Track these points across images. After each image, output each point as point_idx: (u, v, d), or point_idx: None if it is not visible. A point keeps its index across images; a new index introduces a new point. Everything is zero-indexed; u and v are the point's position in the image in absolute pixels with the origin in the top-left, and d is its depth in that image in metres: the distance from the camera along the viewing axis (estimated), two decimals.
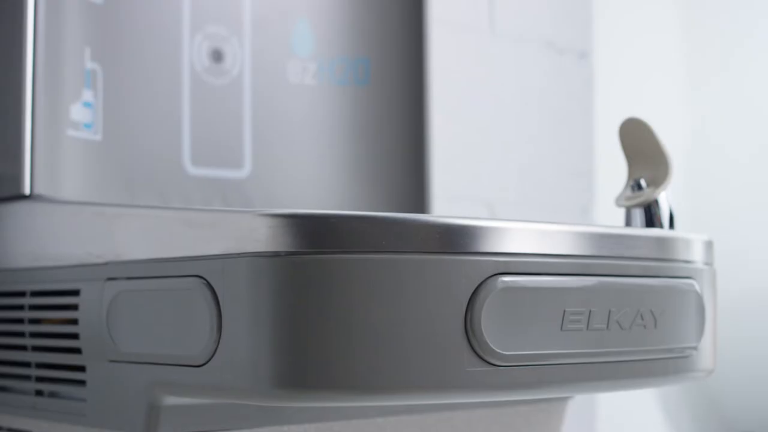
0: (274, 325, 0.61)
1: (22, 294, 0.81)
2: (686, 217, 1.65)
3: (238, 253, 0.62)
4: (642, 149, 0.82)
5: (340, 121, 1.07)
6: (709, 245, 0.81)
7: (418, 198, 1.09)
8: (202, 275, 0.64)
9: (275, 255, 0.61)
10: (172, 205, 0.96)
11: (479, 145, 1.29)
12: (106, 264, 0.72)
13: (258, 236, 0.61)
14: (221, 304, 0.63)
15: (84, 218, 0.77)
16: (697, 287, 0.76)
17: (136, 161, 0.94)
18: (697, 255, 0.79)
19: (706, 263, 0.80)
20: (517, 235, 0.65)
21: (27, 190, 0.83)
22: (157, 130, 0.96)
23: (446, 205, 1.24)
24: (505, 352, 0.63)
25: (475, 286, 0.63)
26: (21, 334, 0.80)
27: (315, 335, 0.61)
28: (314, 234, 0.61)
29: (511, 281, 0.64)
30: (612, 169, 1.49)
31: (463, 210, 1.26)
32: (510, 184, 1.32)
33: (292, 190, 1.04)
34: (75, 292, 0.74)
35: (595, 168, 1.41)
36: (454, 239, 0.63)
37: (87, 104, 0.90)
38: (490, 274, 0.63)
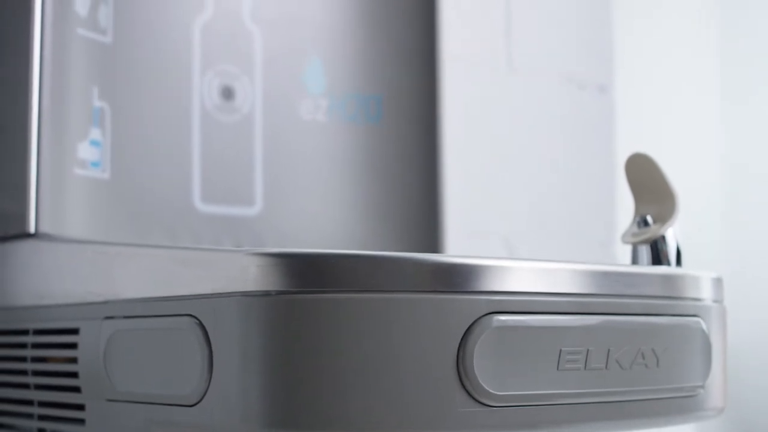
0: (264, 365, 0.60)
1: (25, 332, 0.81)
2: (724, 249, 1.63)
3: (229, 293, 0.62)
4: (648, 185, 0.81)
5: (352, 158, 1.07)
6: (718, 282, 0.79)
7: (432, 235, 1.08)
8: (194, 314, 0.64)
9: (265, 294, 0.61)
10: (181, 243, 0.97)
11: (497, 181, 1.28)
12: (104, 303, 0.72)
13: (248, 275, 0.61)
14: (212, 343, 0.63)
15: (85, 257, 0.77)
16: (704, 325, 0.75)
17: (144, 199, 0.94)
18: (705, 292, 0.77)
19: (715, 300, 0.78)
20: (511, 274, 0.64)
21: (32, 229, 0.83)
22: (167, 167, 0.96)
23: (463, 241, 1.23)
24: (498, 393, 0.62)
25: (468, 325, 0.62)
26: (24, 372, 0.81)
27: (306, 375, 0.60)
28: (304, 273, 0.61)
29: (505, 320, 0.63)
30: (632, 204, 1.48)
31: (481, 246, 1.25)
32: (528, 219, 1.31)
33: (303, 228, 1.04)
34: (75, 331, 0.74)
35: (615, 203, 1.40)
36: (446, 278, 0.62)
37: (95, 143, 0.90)
38: (482, 313, 0.63)
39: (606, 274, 0.70)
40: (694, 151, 1.62)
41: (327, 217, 1.05)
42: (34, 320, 0.80)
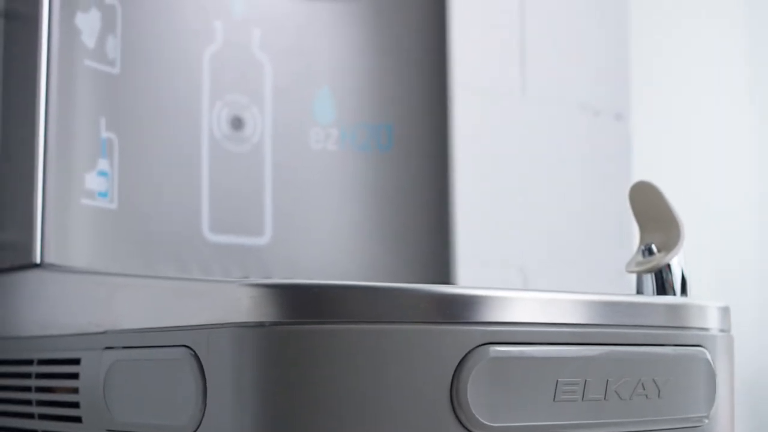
0: (257, 396, 0.60)
1: (30, 362, 0.81)
2: (756, 276, 1.62)
3: (222, 324, 0.62)
4: (653, 213, 0.80)
5: (363, 187, 1.07)
6: (725, 312, 0.79)
7: (444, 264, 1.08)
8: (189, 345, 0.64)
9: (259, 325, 0.61)
10: (189, 273, 0.97)
11: (511, 209, 1.28)
12: (104, 333, 0.72)
13: (241, 306, 0.61)
14: (206, 374, 0.62)
15: (87, 287, 0.77)
16: (708, 355, 0.74)
17: (153, 229, 0.95)
18: (711, 322, 0.77)
19: (722, 330, 0.78)
20: (506, 304, 0.64)
21: (37, 259, 0.83)
22: (175, 197, 0.97)
23: (477, 270, 1.23)
24: (492, 424, 0.62)
25: (462, 356, 0.62)
26: (29, 402, 0.81)
27: (299, 406, 0.60)
28: (297, 304, 0.61)
29: (500, 351, 0.63)
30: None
31: (495, 275, 1.25)
32: (544, 248, 1.30)
33: (313, 257, 1.04)
34: (76, 361, 0.74)
35: (633, 231, 1.39)
36: (440, 308, 0.62)
37: (102, 173, 0.91)
38: (477, 344, 0.62)
39: (604, 304, 0.69)
40: (715, 175, 1.61)
41: (337, 246, 1.05)
42: (38, 350, 0.81)
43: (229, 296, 0.62)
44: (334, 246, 1.05)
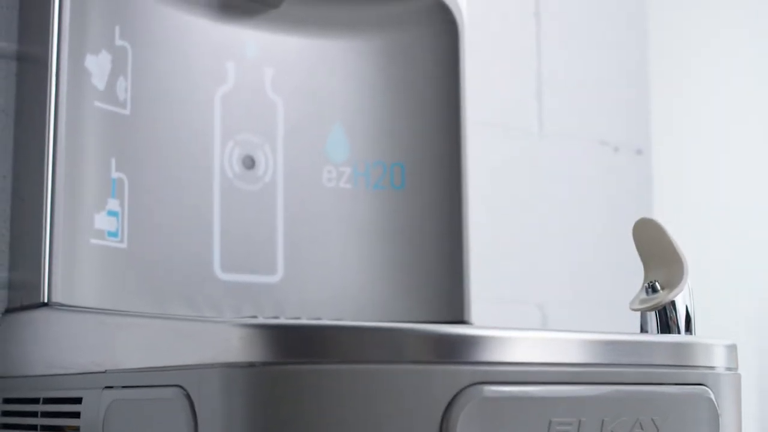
0: None
1: (36, 401, 0.82)
2: None
3: (213, 364, 0.62)
4: (656, 250, 0.80)
5: (375, 226, 1.07)
6: (731, 349, 0.78)
7: (457, 302, 1.07)
8: (182, 385, 0.64)
9: (249, 366, 0.61)
10: (200, 312, 0.97)
11: (530, 246, 1.27)
12: (104, 372, 0.73)
13: (231, 347, 0.61)
14: (197, 414, 0.63)
15: (89, 327, 0.78)
16: (711, 394, 0.73)
17: (164, 268, 0.95)
18: (716, 360, 0.76)
19: (728, 368, 0.77)
20: (496, 344, 0.64)
21: (45, 298, 0.84)
22: (186, 236, 0.97)
23: (494, 308, 1.22)
24: None
25: (451, 395, 0.62)
26: None
27: None
28: (287, 344, 0.61)
29: (490, 390, 0.62)
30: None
31: (512, 314, 1.24)
32: (563, 285, 1.29)
33: (325, 296, 1.04)
34: (78, 400, 0.75)
35: None
36: (430, 348, 0.62)
37: (112, 213, 0.92)
38: (466, 384, 0.62)
39: (599, 343, 0.69)
40: (738, 210, 1.59)
41: (350, 284, 1.05)
42: (44, 389, 0.81)
43: (219, 336, 0.62)
44: (346, 284, 1.05)
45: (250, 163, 1.02)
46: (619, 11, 1.39)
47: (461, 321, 1.07)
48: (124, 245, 0.93)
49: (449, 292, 1.07)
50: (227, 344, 0.61)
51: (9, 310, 0.90)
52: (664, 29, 1.47)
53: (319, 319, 0.99)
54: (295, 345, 0.61)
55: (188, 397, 0.63)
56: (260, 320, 0.62)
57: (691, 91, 1.54)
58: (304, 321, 0.62)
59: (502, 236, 1.25)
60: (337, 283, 1.05)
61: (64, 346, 0.81)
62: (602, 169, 1.35)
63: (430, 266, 1.08)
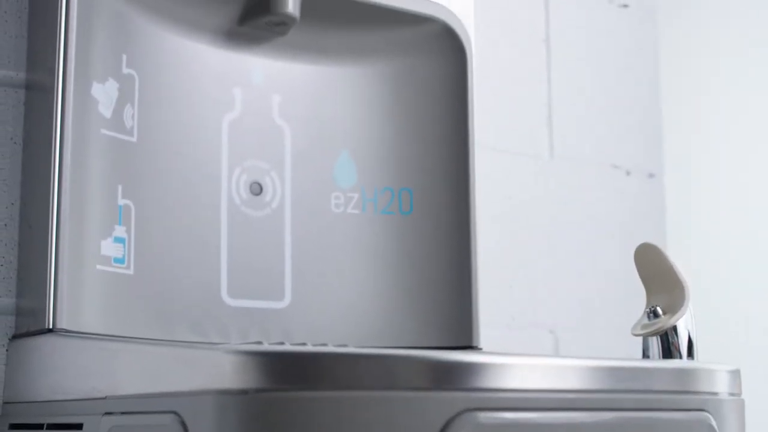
0: None
1: (40, 427, 0.83)
2: None
3: (207, 390, 0.62)
4: (657, 276, 0.80)
5: (383, 251, 1.07)
6: (734, 375, 0.77)
7: (466, 327, 1.07)
8: (177, 411, 0.64)
9: (242, 392, 0.61)
10: (208, 337, 0.98)
11: (542, 271, 1.27)
12: (104, 398, 0.73)
13: (224, 373, 0.62)
14: None
15: (90, 353, 0.79)
16: (712, 420, 0.73)
17: (171, 294, 0.96)
18: (719, 386, 0.76)
19: (731, 394, 0.76)
20: (488, 370, 0.64)
21: (50, 324, 0.85)
22: (194, 262, 0.98)
23: (505, 332, 1.22)
24: None
25: (444, 422, 0.62)
26: None
27: None
28: (280, 371, 0.61)
29: (485, 417, 0.62)
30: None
31: (524, 339, 1.24)
32: (576, 309, 1.29)
33: (333, 321, 1.04)
34: (79, 426, 0.75)
35: None
36: (423, 375, 0.62)
37: (119, 239, 0.92)
38: (460, 410, 0.62)
39: (597, 369, 0.68)
40: (752, 234, 1.58)
41: (358, 310, 1.05)
42: (48, 415, 0.82)
43: (213, 363, 0.62)
44: (354, 310, 1.05)
45: (257, 189, 1.03)
46: (629, 35, 1.39)
47: (469, 346, 1.07)
48: (130, 271, 0.93)
49: (457, 317, 1.07)
50: (220, 371, 0.62)
51: (16, 336, 0.91)
52: (676, 52, 1.46)
53: (324, 344, 0.99)
54: (288, 372, 0.61)
55: (183, 423, 0.64)
56: (253, 346, 0.62)
57: (703, 113, 1.54)
58: (294, 347, 0.62)
59: (513, 261, 1.25)
60: (345, 308, 1.05)
61: (68, 372, 0.81)
62: (614, 192, 1.35)
63: (438, 291, 1.08)
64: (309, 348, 0.62)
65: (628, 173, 1.36)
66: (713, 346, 1.52)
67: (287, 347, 0.62)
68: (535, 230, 1.27)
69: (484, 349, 1.09)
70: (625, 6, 1.39)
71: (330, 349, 0.62)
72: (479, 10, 1.25)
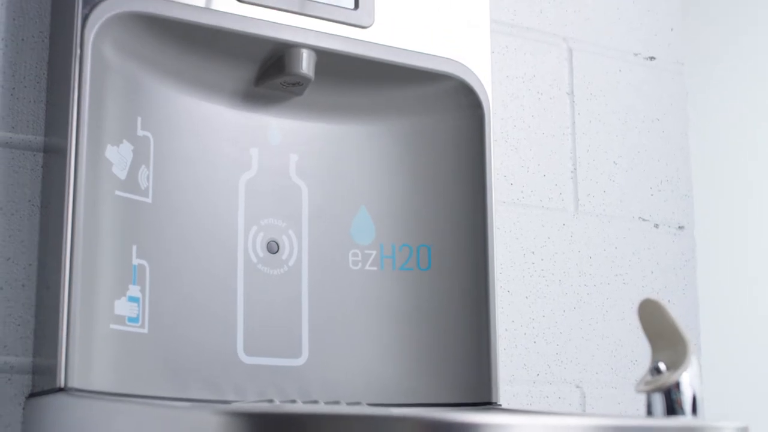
0: None
1: None
2: None
3: None
4: (660, 331, 0.79)
5: (402, 307, 1.07)
6: None
7: (485, 384, 1.07)
8: None
9: None
10: (224, 395, 0.98)
11: (568, 326, 1.26)
12: None
13: None
14: None
15: (95, 412, 0.80)
16: None
17: (186, 352, 0.97)
18: None
19: None
20: (489, 431, 0.63)
21: (62, 384, 0.86)
22: (210, 320, 0.99)
23: (531, 388, 1.21)
24: None
25: None
26: None
27: None
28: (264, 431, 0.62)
29: None
30: (718, 350, 1.43)
31: (552, 393, 1.23)
32: (603, 365, 1.28)
33: (351, 378, 1.04)
34: None
35: (701, 347, 1.36)
36: None
37: (133, 299, 0.94)
38: None
39: (597, 429, 0.68)
40: None
41: (376, 367, 1.05)
42: None
43: (198, 423, 0.63)
44: (372, 366, 1.05)
45: (274, 247, 1.04)
46: (656, 87, 1.39)
47: (489, 402, 1.06)
48: (145, 330, 0.94)
49: (476, 374, 1.07)
50: (206, 431, 0.62)
51: (32, 395, 0.92)
52: (704, 103, 1.46)
53: (337, 402, 0.99)
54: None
55: None
56: (240, 407, 0.62)
57: (732, 164, 1.53)
58: (284, 409, 0.62)
59: (539, 316, 1.25)
60: (363, 365, 1.05)
61: (77, 431, 0.82)
62: (642, 245, 1.34)
63: (456, 347, 1.07)
64: (296, 409, 0.62)
65: (656, 226, 1.35)
66: (747, 401, 1.49)
67: (273, 407, 0.63)
68: (560, 284, 1.27)
69: (503, 406, 1.09)
70: (652, 58, 1.39)
71: (315, 409, 0.62)
72: (502, 65, 1.26)
